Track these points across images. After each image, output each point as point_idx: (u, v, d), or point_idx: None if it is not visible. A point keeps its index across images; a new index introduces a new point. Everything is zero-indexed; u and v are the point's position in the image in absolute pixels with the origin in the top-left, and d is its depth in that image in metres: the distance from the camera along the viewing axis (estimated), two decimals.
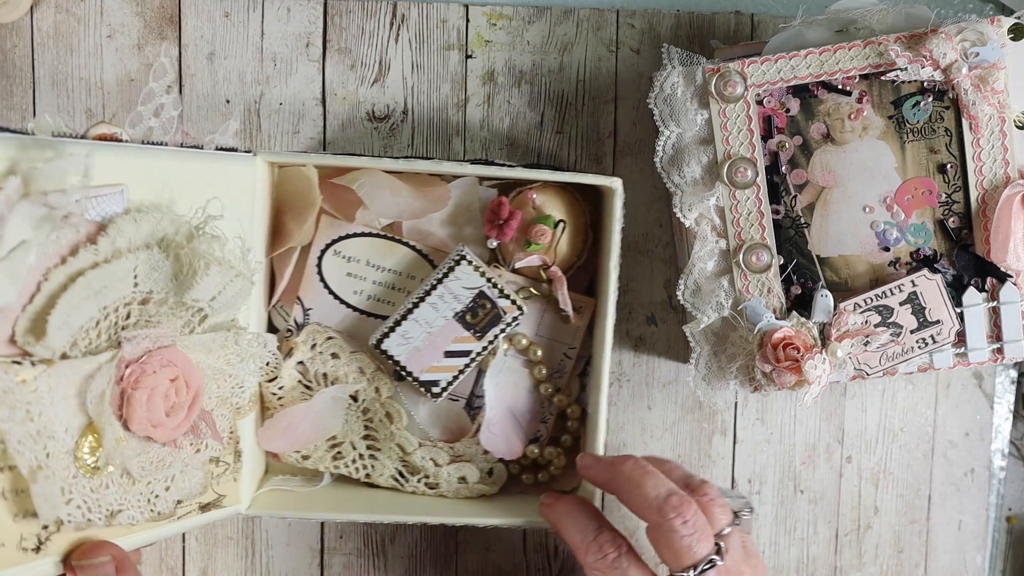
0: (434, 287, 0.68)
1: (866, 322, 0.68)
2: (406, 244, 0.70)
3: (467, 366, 0.69)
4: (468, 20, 0.76)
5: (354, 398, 0.71)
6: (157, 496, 0.60)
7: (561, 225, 0.68)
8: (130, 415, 0.56)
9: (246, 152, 0.64)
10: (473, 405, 0.72)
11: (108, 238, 0.54)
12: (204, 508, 0.64)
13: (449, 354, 0.69)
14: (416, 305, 0.68)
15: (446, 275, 0.67)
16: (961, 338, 0.70)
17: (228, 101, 0.74)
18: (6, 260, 0.49)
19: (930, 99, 0.68)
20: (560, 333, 0.72)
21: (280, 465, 0.72)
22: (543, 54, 0.76)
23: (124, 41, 0.74)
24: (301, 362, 0.70)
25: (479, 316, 0.68)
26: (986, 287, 0.70)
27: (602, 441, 0.68)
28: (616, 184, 0.66)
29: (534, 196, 0.68)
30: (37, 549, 0.54)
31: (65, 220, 0.51)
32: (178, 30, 0.74)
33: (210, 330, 0.61)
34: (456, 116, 0.75)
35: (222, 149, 0.63)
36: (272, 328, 0.71)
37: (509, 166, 0.67)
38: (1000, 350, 0.70)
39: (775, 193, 0.69)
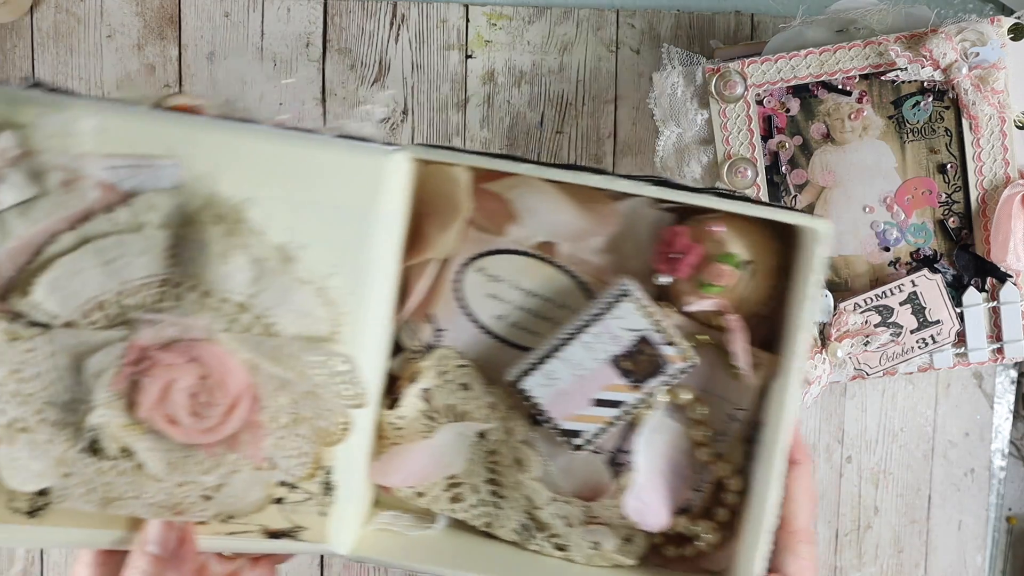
0: (589, 324, 0.58)
1: (866, 322, 0.68)
2: (561, 268, 0.60)
3: (617, 419, 0.59)
4: (468, 20, 0.76)
5: (482, 436, 0.61)
6: (192, 503, 0.54)
7: (747, 266, 0.57)
8: (135, 403, 0.51)
9: (387, 145, 0.54)
10: (616, 461, 0.62)
11: (131, 209, 0.50)
12: (272, 535, 0.56)
13: (598, 402, 0.59)
14: (566, 342, 0.58)
15: (605, 311, 0.57)
16: (961, 338, 0.71)
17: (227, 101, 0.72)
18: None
19: (930, 99, 0.69)
20: (728, 390, 0.61)
21: (390, 499, 0.63)
22: (543, 54, 0.76)
23: (124, 41, 0.75)
24: (427, 389, 0.61)
25: (639, 363, 0.58)
26: (986, 287, 0.71)
27: (768, 525, 0.57)
28: (821, 227, 0.54)
29: (718, 229, 0.57)
30: (31, 514, 0.53)
31: (72, 184, 0.49)
32: (178, 30, 0.75)
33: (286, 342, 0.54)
34: (456, 116, 0.75)
35: (346, 137, 0.54)
36: (399, 348, 0.62)
37: (694, 190, 0.56)
38: (1000, 350, 0.71)
39: (775, 193, 0.70)
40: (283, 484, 0.56)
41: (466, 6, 0.76)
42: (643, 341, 0.57)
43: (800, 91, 0.69)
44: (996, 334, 0.71)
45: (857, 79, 0.68)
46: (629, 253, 0.60)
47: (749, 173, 0.68)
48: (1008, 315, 0.70)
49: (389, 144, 0.54)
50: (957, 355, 0.72)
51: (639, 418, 0.60)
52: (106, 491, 0.52)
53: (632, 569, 0.62)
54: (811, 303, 0.55)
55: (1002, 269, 0.69)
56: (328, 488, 0.57)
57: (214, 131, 0.51)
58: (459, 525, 0.63)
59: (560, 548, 0.62)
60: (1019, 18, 0.68)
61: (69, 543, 0.54)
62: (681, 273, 0.57)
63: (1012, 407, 0.80)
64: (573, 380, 0.58)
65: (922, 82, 0.68)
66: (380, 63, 0.75)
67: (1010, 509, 0.82)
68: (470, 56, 0.76)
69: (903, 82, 0.68)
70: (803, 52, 0.68)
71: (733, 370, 0.60)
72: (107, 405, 0.51)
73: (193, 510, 0.54)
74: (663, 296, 0.60)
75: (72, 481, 0.52)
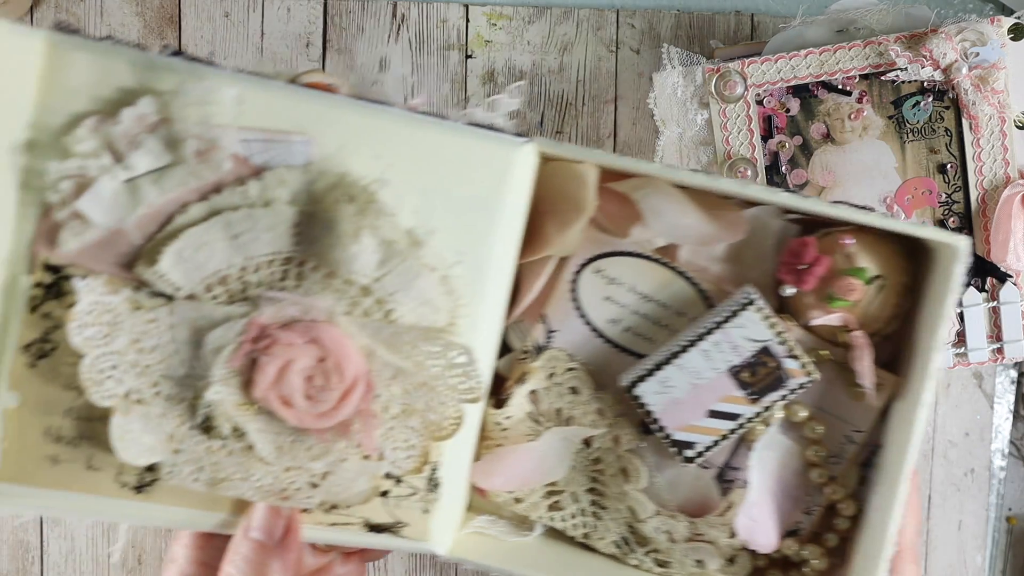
0: (710, 331, 0.56)
1: None
2: (681, 274, 0.58)
3: (732, 432, 0.57)
4: (468, 20, 0.76)
5: (587, 443, 0.60)
6: (298, 489, 0.52)
7: (877, 282, 0.56)
8: (253, 382, 0.49)
9: (517, 136, 0.53)
10: (725, 477, 0.60)
11: (261, 183, 0.50)
12: (374, 528, 0.55)
13: (713, 414, 0.57)
14: (685, 349, 0.56)
15: (727, 320, 0.56)
16: (961, 338, 0.71)
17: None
18: (132, 181, 0.48)
19: (930, 99, 0.68)
20: (847, 411, 0.59)
21: (485, 503, 0.62)
22: (543, 54, 0.76)
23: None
24: (534, 391, 0.59)
25: (758, 375, 0.56)
26: (986, 287, 0.70)
27: (887, 553, 0.54)
28: (960, 243, 0.52)
29: (849, 242, 0.55)
30: (138, 489, 0.51)
31: (207, 154, 0.48)
32: (178, 30, 0.75)
33: (404, 330, 0.52)
34: (456, 116, 0.72)
35: (477, 125, 0.53)
36: (507, 348, 0.60)
37: (829, 202, 0.55)
38: (1000, 350, 0.70)
39: None
40: (389, 477, 0.54)
41: (466, 6, 0.75)
42: (764, 352, 0.56)
43: (800, 91, 0.68)
44: (996, 334, 0.70)
45: (857, 79, 0.68)
46: (750, 263, 0.58)
47: (749, 173, 0.68)
48: (1008, 315, 0.70)
49: (519, 135, 0.53)
50: (957, 355, 0.71)
51: (753, 433, 0.58)
52: (214, 471, 0.51)
53: None
54: (946, 323, 0.53)
55: (1002, 269, 0.69)
56: (433, 484, 0.55)
57: (348, 111, 0.51)
58: (555, 534, 0.62)
59: (661, 564, 0.60)
60: (1019, 18, 0.67)
61: (173, 523, 0.53)
62: (808, 285, 0.55)
63: (1012, 407, 0.78)
64: (689, 389, 0.56)
65: (922, 82, 0.68)
66: (380, 63, 0.75)
67: (1010, 509, 0.81)
68: (470, 56, 0.76)
69: (903, 82, 0.68)
70: (803, 52, 0.68)
71: (853, 389, 0.58)
72: (223, 382, 0.50)
73: (299, 497, 0.53)
74: (783, 309, 0.58)
75: (182, 458, 0.51)
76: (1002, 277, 0.69)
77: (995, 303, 0.69)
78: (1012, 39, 0.67)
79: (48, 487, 0.51)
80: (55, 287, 0.49)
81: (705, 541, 0.59)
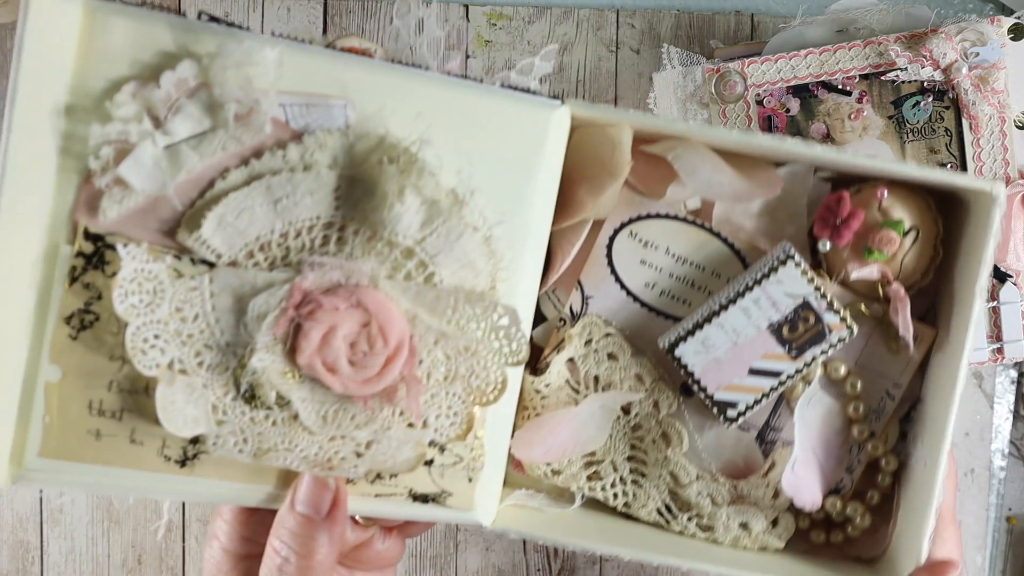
0: (749, 288, 0.56)
1: None
2: (716, 235, 0.58)
3: (773, 390, 0.57)
4: (468, 20, 0.75)
5: (625, 411, 0.59)
6: (343, 458, 0.52)
7: (912, 234, 0.56)
8: (298, 348, 0.49)
9: (552, 99, 0.53)
10: (766, 438, 0.60)
11: (301, 147, 0.49)
12: (418, 499, 0.54)
13: (754, 372, 0.57)
14: (725, 307, 0.56)
15: (767, 276, 0.56)
16: None
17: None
18: (172, 147, 0.47)
19: (930, 99, 0.68)
20: (885, 366, 0.59)
21: (521, 478, 0.61)
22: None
23: None
24: (571, 359, 0.59)
25: (798, 331, 0.56)
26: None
27: (932, 509, 0.54)
28: (998, 190, 0.53)
29: (884, 194, 0.56)
30: (182, 463, 0.51)
31: (247, 118, 0.48)
32: None
33: (446, 293, 0.52)
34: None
35: (512, 88, 0.53)
36: (540, 318, 0.60)
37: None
38: (1000, 350, 0.69)
39: None
40: (433, 444, 0.54)
41: (466, 6, 0.74)
42: (804, 307, 0.56)
43: (800, 91, 0.68)
44: (996, 334, 0.69)
45: (857, 79, 0.68)
46: (783, 221, 0.58)
47: None
48: (1008, 315, 0.69)
49: (554, 98, 0.53)
50: None
51: (792, 392, 0.58)
52: (259, 442, 0.50)
53: (779, 554, 0.59)
54: (987, 270, 0.53)
55: (1002, 269, 0.68)
56: (477, 452, 0.55)
57: (386, 74, 0.50)
58: (595, 505, 0.61)
59: (705, 529, 0.59)
60: (1019, 18, 0.67)
61: (217, 497, 0.52)
62: (844, 239, 0.56)
63: (1012, 407, 0.78)
64: (729, 347, 0.56)
65: (922, 82, 0.68)
66: (417, 25, 0.74)
67: (1010, 509, 0.80)
68: (470, 56, 0.75)
69: (903, 82, 0.67)
70: (803, 52, 0.68)
71: (891, 343, 0.58)
72: (267, 349, 0.49)
73: (344, 466, 0.52)
74: (818, 266, 0.58)
75: (226, 429, 0.50)
76: (1002, 277, 0.68)
77: (995, 303, 0.69)
78: (1012, 39, 0.67)
79: (91, 462, 0.50)
80: (96, 256, 0.48)
81: (748, 503, 0.59)
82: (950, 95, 0.67)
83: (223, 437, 0.50)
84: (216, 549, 0.55)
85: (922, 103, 0.68)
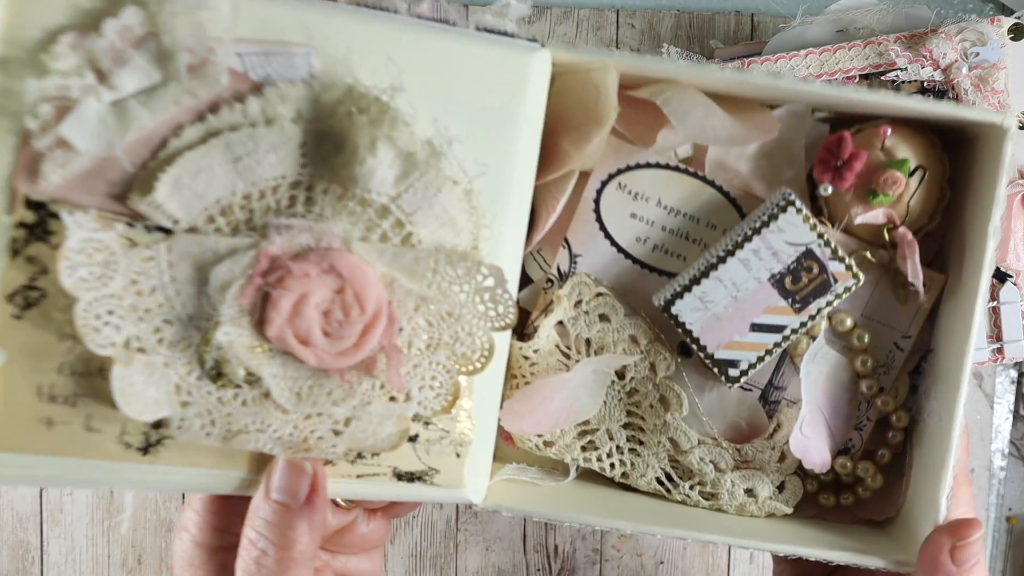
0: (748, 238, 0.52)
1: None
2: (710, 183, 0.54)
3: (776, 345, 0.54)
4: (468, 22, 0.71)
5: (619, 375, 0.56)
6: (320, 438, 0.48)
7: (918, 173, 0.53)
8: (266, 319, 0.45)
9: (530, 41, 0.49)
10: (769, 398, 0.56)
11: (262, 100, 0.45)
12: (403, 478, 0.50)
13: (756, 327, 0.53)
14: (723, 259, 0.53)
15: (766, 224, 0.52)
16: None
17: None
18: (119, 103, 0.43)
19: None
20: (892, 317, 0.56)
21: (511, 451, 0.57)
22: None
23: None
24: (561, 322, 0.55)
25: (801, 282, 0.53)
26: None
27: (949, 466, 0.51)
28: (1008, 122, 0.50)
29: (889, 132, 0.52)
30: (144, 450, 0.46)
31: (201, 69, 0.43)
32: None
33: (425, 254, 0.48)
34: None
35: (487, 31, 0.49)
36: (526, 280, 0.56)
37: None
38: (1000, 350, 0.69)
39: None
40: (417, 419, 0.50)
41: (466, 6, 0.72)
42: (807, 256, 0.52)
43: None
44: (996, 334, 0.69)
45: (857, 79, 0.67)
46: (780, 166, 0.55)
47: None
48: (1008, 315, 0.69)
49: (532, 40, 0.49)
50: None
51: (796, 347, 0.55)
52: (228, 423, 0.46)
53: (787, 519, 0.56)
54: (1000, 207, 0.50)
55: (1002, 269, 0.68)
56: (465, 426, 0.51)
57: (350, 18, 0.46)
58: (591, 476, 0.58)
59: (708, 497, 0.56)
60: (1019, 18, 0.67)
61: (184, 486, 0.48)
62: (846, 182, 0.52)
63: (1012, 407, 0.77)
64: (729, 302, 0.53)
65: (922, 82, 0.67)
66: None
67: (1010, 509, 0.79)
68: None
69: (903, 82, 0.67)
70: (803, 52, 0.67)
71: (899, 292, 0.55)
72: (233, 322, 0.45)
73: (322, 446, 0.48)
74: (818, 212, 0.55)
75: (191, 411, 0.46)
76: (1002, 277, 0.68)
77: (995, 303, 0.68)
78: (1012, 39, 0.66)
79: (44, 453, 0.45)
80: (39, 226, 0.44)
81: (753, 468, 0.56)
82: (950, 95, 0.67)
83: (188, 420, 0.46)
84: (187, 542, 0.51)
85: None
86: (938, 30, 0.66)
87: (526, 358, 0.55)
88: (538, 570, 0.78)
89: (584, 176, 0.55)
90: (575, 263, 0.55)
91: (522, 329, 0.56)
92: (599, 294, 0.55)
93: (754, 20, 0.75)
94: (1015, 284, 0.68)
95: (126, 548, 0.77)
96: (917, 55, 0.66)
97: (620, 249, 0.55)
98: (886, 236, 0.53)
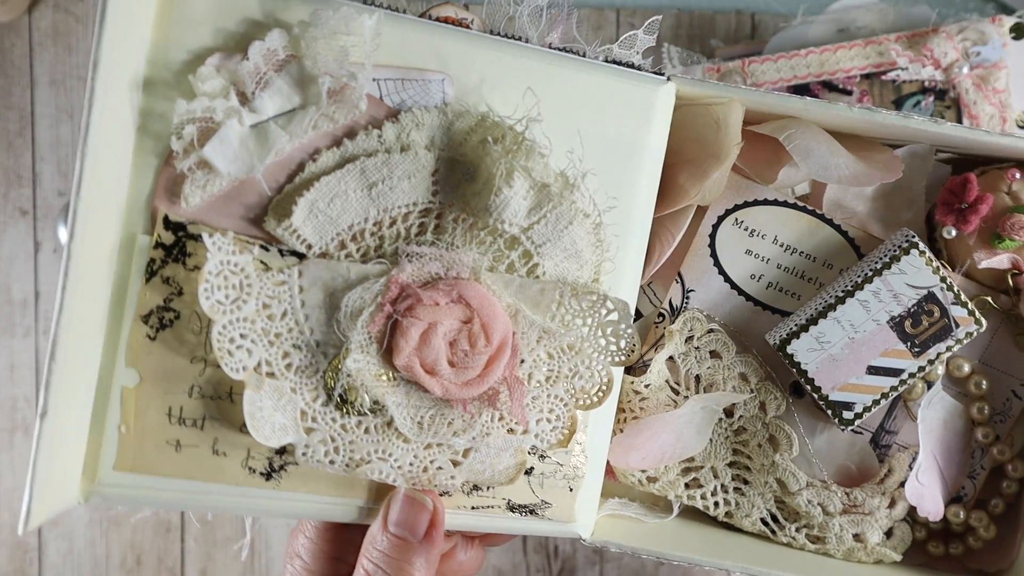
0: (868, 279, 0.52)
1: None
2: (828, 222, 0.54)
3: (893, 389, 0.53)
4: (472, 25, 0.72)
5: (728, 413, 0.55)
6: (439, 468, 0.47)
7: None
8: (395, 348, 0.44)
9: (655, 74, 0.49)
10: (880, 442, 0.55)
11: (397, 126, 0.45)
12: (516, 510, 0.50)
13: (873, 370, 0.52)
14: (841, 300, 0.52)
15: (887, 265, 0.51)
16: None
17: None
18: (260, 125, 0.43)
19: (931, 98, 0.68)
20: (1011, 363, 0.55)
21: (614, 486, 0.57)
22: None
23: None
24: (671, 357, 0.55)
25: (922, 325, 0.52)
26: None
27: None
28: None
29: (1017, 176, 0.51)
30: (268, 476, 0.46)
31: (340, 94, 0.44)
32: None
33: (550, 286, 0.47)
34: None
35: (615, 63, 0.49)
36: (636, 313, 0.56)
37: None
38: None
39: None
40: (533, 451, 0.49)
41: (466, 6, 0.72)
42: (929, 299, 0.51)
43: (801, 90, 0.67)
44: None
45: (858, 78, 0.67)
46: (900, 206, 0.54)
47: None
48: None
49: (658, 73, 0.49)
50: None
51: (911, 392, 0.54)
52: (351, 451, 0.46)
53: (896, 567, 0.55)
54: None
55: None
56: (579, 460, 0.50)
57: (485, 47, 0.46)
58: (694, 513, 0.57)
59: (815, 540, 0.55)
60: (1020, 17, 0.67)
61: (304, 513, 0.47)
62: (970, 226, 0.52)
63: None
64: (846, 344, 0.52)
65: (923, 81, 0.67)
66: None
67: None
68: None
69: (904, 81, 0.67)
70: (804, 51, 0.67)
71: (1019, 339, 0.54)
72: (362, 349, 0.45)
73: (440, 477, 0.47)
74: (937, 254, 0.54)
75: (316, 438, 0.45)
76: None
77: None
78: (1013, 38, 0.66)
79: (170, 475, 0.45)
80: (177, 247, 0.44)
81: (863, 513, 0.55)
82: (951, 94, 0.67)
83: (313, 447, 0.45)
84: (299, 568, 0.50)
85: (923, 102, 0.68)
86: (939, 29, 0.66)
87: (636, 392, 0.54)
88: (538, 570, 0.78)
89: (701, 211, 0.54)
90: (688, 298, 0.55)
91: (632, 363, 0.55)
92: (711, 330, 0.54)
93: (755, 19, 0.75)
94: None
95: (125, 549, 0.76)
96: (918, 54, 0.66)
97: (733, 285, 0.54)
98: (1010, 281, 0.52)
